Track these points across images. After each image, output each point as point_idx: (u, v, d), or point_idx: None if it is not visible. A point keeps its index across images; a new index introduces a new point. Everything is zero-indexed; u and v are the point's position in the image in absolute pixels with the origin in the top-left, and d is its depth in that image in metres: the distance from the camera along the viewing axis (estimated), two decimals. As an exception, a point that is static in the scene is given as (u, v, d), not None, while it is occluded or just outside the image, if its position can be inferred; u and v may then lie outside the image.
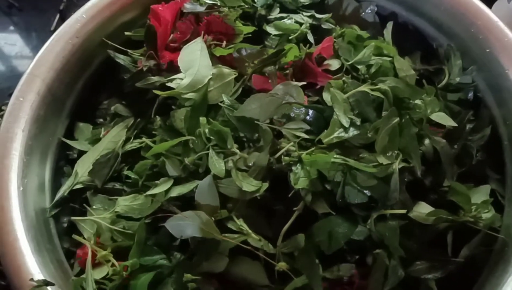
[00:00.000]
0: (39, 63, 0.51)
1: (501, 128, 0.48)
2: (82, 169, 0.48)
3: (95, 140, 0.53)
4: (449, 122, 0.45)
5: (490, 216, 0.43)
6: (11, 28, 0.81)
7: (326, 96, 0.45)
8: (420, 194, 0.44)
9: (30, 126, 0.49)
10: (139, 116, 0.54)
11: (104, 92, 0.58)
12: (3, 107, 0.67)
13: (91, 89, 0.57)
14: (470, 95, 0.52)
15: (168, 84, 0.47)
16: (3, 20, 0.82)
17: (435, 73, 0.54)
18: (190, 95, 0.46)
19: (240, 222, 0.41)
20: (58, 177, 0.51)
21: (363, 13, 0.58)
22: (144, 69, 0.53)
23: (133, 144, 0.48)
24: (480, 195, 0.45)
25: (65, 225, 0.47)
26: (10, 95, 0.51)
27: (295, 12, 0.57)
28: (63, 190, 0.47)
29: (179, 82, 0.46)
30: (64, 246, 0.47)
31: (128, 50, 0.55)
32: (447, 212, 0.42)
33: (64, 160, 0.53)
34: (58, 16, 0.80)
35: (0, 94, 0.71)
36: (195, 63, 0.46)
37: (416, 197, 0.44)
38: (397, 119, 0.42)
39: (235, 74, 0.47)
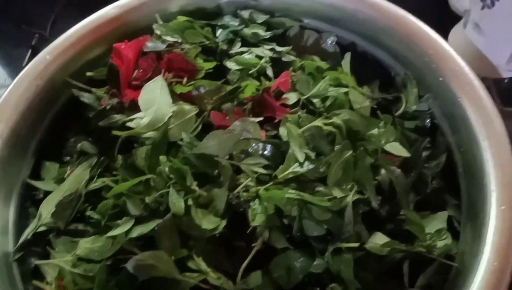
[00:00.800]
0: (2, 106, 0.52)
1: (456, 155, 0.50)
2: (46, 211, 0.48)
3: (61, 179, 0.53)
4: (403, 153, 0.46)
5: (445, 244, 0.44)
6: None
7: (282, 131, 0.46)
8: (377, 224, 0.45)
9: (-6, 168, 0.50)
10: (105, 154, 0.54)
11: (71, 129, 0.58)
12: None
13: (57, 127, 0.57)
14: (427, 122, 0.53)
15: (128, 124, 0.47)
16: None
17: (393, 101, 0.55)
18: (149, 134, 0.47)
19: (199, 261, 0.42)
20: (22, 218, 0.51)
21: (323, 44, 0.59)
22: (107, 107, 0.53)
23: (96, 184, 0.49)
24: (437, 222, 0.46)
25: (29, 268, 0.47)
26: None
27: (256, 45, 0.58)
28: (27, 233, 0.48)
29: (139, 121, 0.47)
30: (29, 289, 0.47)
31: (92, 89, 0.56)
32: (400, 242, 0.43)
33: (30, 201, 0.53)
34: (30, 50, 0.81)
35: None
36: (155, 101, 0.47)
37: (373, 227, 0.44)
38: (350, 153, 0.43)
39: (196, 110, 0.48)
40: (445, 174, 0.50)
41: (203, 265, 0.41)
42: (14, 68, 0.80)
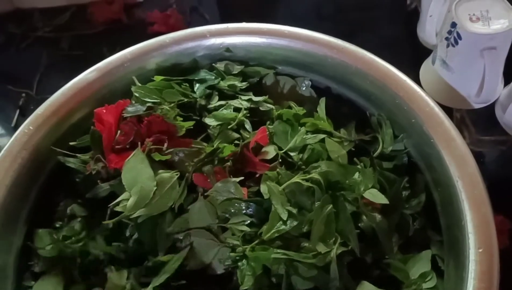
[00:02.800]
0: (-12, 183, 0.53)
1: (435, 193, 0.51)
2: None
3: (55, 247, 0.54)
4: (381, 200, 0.48)
5: (430, 287, 0.45)
6: None
7: (263, 189, 0.47)
8: (363, 271, 0.46)
9: (-15, 244, 0.50)
10: (94, 216, 0.56)
11: (59, 194, 0.59)
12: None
13: (45, 194, 0.58)
14: (404, 160, 0.55)
15: (116, 209, 0.48)
16: None
17: (370, 142, 0.57)
18: (139, 212, 0.47)
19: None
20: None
21: (299, 90, 0.61)
22: (93, 172, 0.55)
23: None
24: (421, 264, 0.47)
25: None
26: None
27: (234, 97, 0.60)
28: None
29: (126, 203, 0.48)
30: None
31: (77, 155, 0.57)
32: (387, 289, 0.44)
33: (28, 273, 0.54)
34: (18, 111, 0.82)
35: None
36: (138, 179, 0.48)
37: (359, 275, 0.46)
38: (330, 207, 0.44)
39: (177, 175, 0.50)
40: (426, 211, 0.51)
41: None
42: (3, 130, 0.81)
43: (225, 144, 0.51)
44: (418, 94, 0.53)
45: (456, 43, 0.61)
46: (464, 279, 0.42)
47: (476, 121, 0.69)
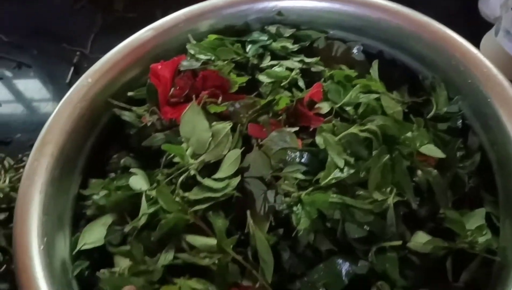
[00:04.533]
0: (50, 128, 0.55)
1: (490, 153, 0.51)
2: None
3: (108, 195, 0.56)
4: (438, 153, 0.48)
5: (486, 240, 0.45)
6: (29, 81, 0.86)
7: (319, 140, 0.48)
8: (417, 223, 0.46)
9: (47, 187, 0.52)
10: (147, 168, 0.57)
11: (113, 147, 0.61)
12: (24, 158, 0.71)
13: (100, 145, 0.60)
14: (459, 123, 0.54)
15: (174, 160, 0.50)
16: (21, 74, 0.87)
17: (423, 105, 0.56)
18: (197, 162, 0.49)
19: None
20: (76, 233, 0.53)
21: (351, 54, 0.61)
22: (148, 124, 0.56)
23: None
24: (476, 219, 0.47)
25: (85, 276, 0.50)
26: (31, 146, 0.54)
27: (285, 58, 0.61)
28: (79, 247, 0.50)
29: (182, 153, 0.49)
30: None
31: (132, 107, 0.59)
32: (443, 240, 0.44)
33: (81, 217, 0.55)
34: (72, 68, 0.85)
35: (21, 145, 0.75)
36: (195, 130, 0.50)
37: (413, 227, 0.46)
38: (387, 157, 0.45)
39: (229, 125, 0.51)
40: (480, 172, 0.51)
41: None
42: (58, 86, 0.84)
43: (281, 95, 0.51)
44: (475, 55, 0.53)
45: (524, 11, 0.60)
46: (523, 232, 0.42)
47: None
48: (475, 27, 0.75)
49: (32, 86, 0.85)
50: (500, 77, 0.50)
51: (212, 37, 0.61)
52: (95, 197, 0.54)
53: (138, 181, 0.52)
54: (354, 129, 0.47)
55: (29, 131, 0.79)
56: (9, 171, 0.69)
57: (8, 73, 0.86)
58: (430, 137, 0.49)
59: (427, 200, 0.47)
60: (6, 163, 0.71)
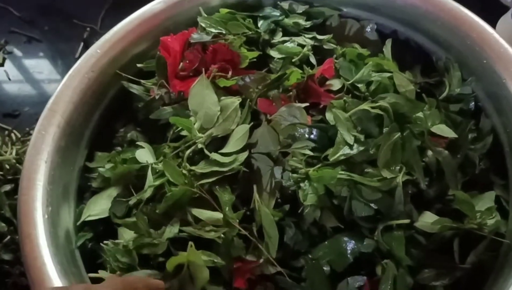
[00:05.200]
0: (58, 98, 0.54)
1: (502, 135, 0.50)
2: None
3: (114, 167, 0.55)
4: (449, 133, 0.47)
5: (494, 222, 0.44)
6: (39, 56, 0.86)
7: (329, 116, 0.47)
8: (425, 204, 0.46)
9: (52, 157, 0.52)
10: (154, 142, 0.57)
11: (120, 120, 0.61)
12: (31, 132, 0.71)
13: (107, 118, 0.60)
14: (471, 105, 0.53)
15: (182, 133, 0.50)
16: (31, 49, 0.87)
17: (436, 86, 0.55)
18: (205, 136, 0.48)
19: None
20: (80, 205, 0.53)
21: (364, 33, 0.60)
22: (156, 97, 0.56)
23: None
24: (485, 202, 0.46)
25: (88, 247, 0.50)
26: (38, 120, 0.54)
27: (297, 34, 0.60)
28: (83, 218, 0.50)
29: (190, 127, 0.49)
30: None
31: (141, 80, 0.58)
32: (452, 220, 0.43)
33: (86, 189, 0.55)
34: (82, 44, 0.84)
35: (29, 119, 0.75)
36: (203, 104, 0.49)
37: (421, 207, 0.45)
38: (398, 134, 0.44)
39: (238, 100, 0.50)
40: (491, 155, 0.50)
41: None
42: (68, 61, 0.84)
43: (293, 69, 0.50)
44: (491, 35, 0.51)
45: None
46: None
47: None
48: (490, 10, 0.73)
49: (41, 61, 0.85)
50: (517, 58, 0.49)
51: (224, 11, 0.60)
52: (101, 169, 0.54)
53: (144, 154, 0.52)
54: (365, 106, 0.46)
55: (37, 105, 0.79)
56: (16, 143, 0.69)
57: (18, 48, 0.86)
58: (442, 118, 0.49)
59: (436, 180, 0.47)
60: (13, 135, 0.71)
